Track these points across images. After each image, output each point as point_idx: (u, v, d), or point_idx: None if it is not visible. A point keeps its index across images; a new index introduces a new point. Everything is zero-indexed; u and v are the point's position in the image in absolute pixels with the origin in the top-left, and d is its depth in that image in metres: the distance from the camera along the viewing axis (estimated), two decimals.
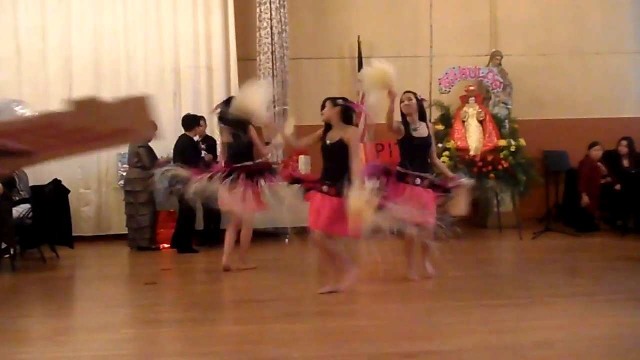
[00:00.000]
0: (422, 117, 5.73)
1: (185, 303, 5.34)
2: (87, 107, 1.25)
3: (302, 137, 5.71)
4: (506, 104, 9.32)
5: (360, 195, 4.70)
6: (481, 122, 8.74)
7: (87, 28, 9.21)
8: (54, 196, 7.76)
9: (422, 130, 5.65)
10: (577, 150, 9.13)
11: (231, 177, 6.13)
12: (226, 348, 3.97)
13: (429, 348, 3.79)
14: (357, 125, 5.56)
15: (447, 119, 8.82)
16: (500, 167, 8.37)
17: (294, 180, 5.44)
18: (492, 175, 8.27)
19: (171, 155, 8.20)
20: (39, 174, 8.52)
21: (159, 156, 8.45)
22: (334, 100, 5.30)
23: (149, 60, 9.33)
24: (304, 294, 5.41)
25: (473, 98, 8.89)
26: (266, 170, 6.36)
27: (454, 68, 8.72)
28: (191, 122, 8.13)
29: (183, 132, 8.09)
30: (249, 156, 6.36)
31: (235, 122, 6.13)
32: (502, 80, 9.02)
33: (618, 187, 8.69)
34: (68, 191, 8.23)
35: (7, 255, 7.17)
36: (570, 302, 4.83)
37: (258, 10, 9.35)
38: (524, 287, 5.42)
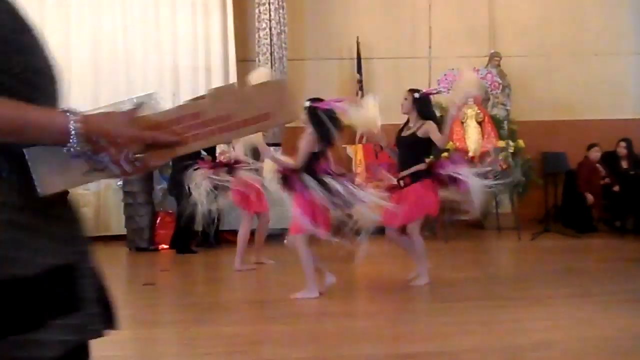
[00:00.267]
0: (424, 116, 5.49)
1: (184, 304, 5.34)
2: (226, 95, 1.32)
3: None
4: (505, 105, 9.32)
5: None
6: (480, 123, 8.75)
7: (85, 28, 9.21)
8: None
9: (414, 129, 5.46)
10: (576, 151, 9.13)
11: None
12: (225, 349, 3.96)
13: (427, 349, 3.79)
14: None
15: (445, 120, 8.81)
16: (499, 167, 8.35)
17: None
18: (490, 176, 8.26)
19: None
20: None
21: None
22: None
23: (148, 60, 9.33)
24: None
25: (472, 99, 8.89)
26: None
27: (453, 69, 8.73)
28: None
29: None
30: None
31: None
32: (500, 81, 9.03)
33: (616, 188, 8.69)
34: (67, 192, 8.21)
35: None
36: (568, 303, 4.83)
37: (257, 10, 9.35)
38: (523, 287, 5.42)
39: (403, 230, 5.46)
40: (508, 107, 9.35)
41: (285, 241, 6.92)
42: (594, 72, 10.10)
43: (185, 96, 9.31)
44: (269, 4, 9.29)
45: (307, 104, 5.11)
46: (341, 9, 9.98)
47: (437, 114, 8.85)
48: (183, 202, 6.91)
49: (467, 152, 8.52)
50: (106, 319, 1.47)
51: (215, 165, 6.65)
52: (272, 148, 8.38)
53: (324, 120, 4.98)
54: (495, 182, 5.57)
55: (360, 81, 9.76)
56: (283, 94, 1.35)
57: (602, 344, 3.83)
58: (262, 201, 6.58)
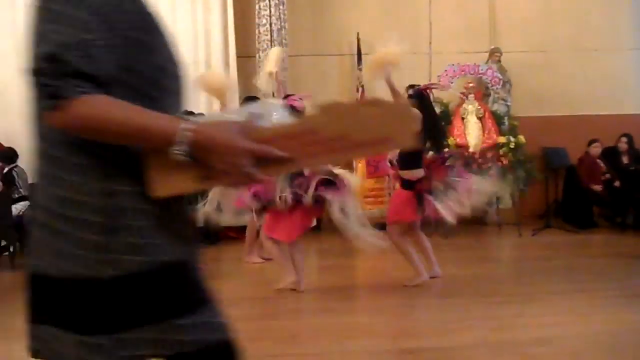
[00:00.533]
0: (419, 111, 5.35)
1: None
2: (342, 113, 1.27)
3: None
4: (505, 100, 9.31)
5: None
6: (480, 119, 8.74)
7: None
8: None
9: None
10: (577, 146, 9.13)
11: None
12: None
13: (428, 344, 3.80)
14: None
15: (446, 116, 8.81)
16: (499, 163, 8.36)
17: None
18: (491, 172, 8.27)
19: None
20: None
21: None
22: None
23: None
24: (303, 290, 5.41)
25: (472, 95, 8.89)
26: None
27: (453, 65, 8.72)
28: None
29: None
30: None
31: None
32: (501, 77, 9.02)
33: (617, 183, 8.69)
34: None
35: (6, 253, 7.17)
36: (569, 298, 4.84)
37: (257, 6, 9.34)
38: (523, 283, 5.43)
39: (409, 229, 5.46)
40: (509, 103, 9.34)
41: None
42: (594, 68, 10.08)
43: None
44: None
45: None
46: (341, 5, 9.96)
47: (438, 109, 8.92)
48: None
49: (467, 147, 8.52)
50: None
51: None
52: None
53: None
54: (493, 190, 5.49)
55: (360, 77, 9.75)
56: (406, 119, 1.29)
57: (603, 339, 3.84)
58: None
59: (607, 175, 8.84)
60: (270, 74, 5.75)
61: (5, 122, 8.93)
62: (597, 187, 8.68)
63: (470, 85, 8.92)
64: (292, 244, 5.17)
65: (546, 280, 5.50)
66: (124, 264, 1.27)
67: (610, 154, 9.11)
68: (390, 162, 5.77)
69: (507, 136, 8.62)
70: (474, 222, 8.77)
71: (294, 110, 4.94)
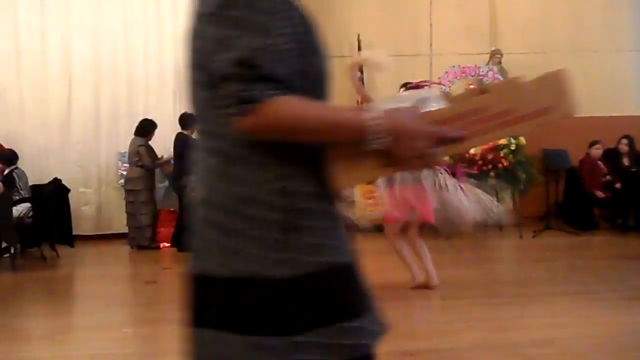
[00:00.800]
0: None
1: (185, 301, 5.34)
2: (508, 89, 1.32)
3: None
4: None
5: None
6: None
7: (86, 27, 9.20)
8: (54, 195, 7.76)
9: None
10: (577, 148, 9.12)
11: None
12: None
13: (428, 346, 3.80)
14: None
15: None
16: (500, 165, 8.35)
17: None
18: (492, 173, 8.27)
19: (172, 154, 8.22)
20: (39, 173, 8.52)
21: (158, 155, 8.46)
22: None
23: (149, 58, 9.32)
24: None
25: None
26: None
27: (454, 67, 8.72)
28: (187, 120, 8.15)
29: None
30: None
31: None
32: (501, 79, 9.02)
33: (618, 185, 8.69)
34: (68, 190, 8.23)
35: (7, 254, 7.17)
36: (570, 300, 4.83)
37: None
38: (524, 285, 5.42)
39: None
40: None
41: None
42: (595, 69, 10.08)
43: (185, 94, 9.30)
44: None
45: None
46: (342, 6, 9.97)
47: None
48: (185, 199, 6.92)
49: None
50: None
51: None
52: None
53: None
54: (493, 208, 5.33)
55: (361, 79, 9.74)
56: (563, 87, 1.30)
57: (603, 341, 3.83)
58: None
59: (608, 177, 8.83)
60: None
61: (5, 124, 8.93)
62: (600, 194, 8.68)
63: (471, 86, 8.90)
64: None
65: (547, 282, 5.49)
66: (301, 264, 1.26)
67: (611, 155, 9.11)
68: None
69: (507, 138, 8.61)
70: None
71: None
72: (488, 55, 9.56)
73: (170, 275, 6.75)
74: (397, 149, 1.25)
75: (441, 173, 4.94)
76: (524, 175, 8.58)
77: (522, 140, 8.65)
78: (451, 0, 9.95)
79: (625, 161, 9.10)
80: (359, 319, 1.30)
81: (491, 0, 10.04)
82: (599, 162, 8.92)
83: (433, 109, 1.33)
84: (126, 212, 8.40)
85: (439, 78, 8.68)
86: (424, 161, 1.28)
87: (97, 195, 9.17)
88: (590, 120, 9.83)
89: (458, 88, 8.86)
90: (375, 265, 6.33)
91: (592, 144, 9.00)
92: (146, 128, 8.35)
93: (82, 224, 8.93)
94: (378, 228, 5.33)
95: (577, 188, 8.85)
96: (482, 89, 1.31)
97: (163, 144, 8.43)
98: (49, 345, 4.19)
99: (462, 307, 4.68)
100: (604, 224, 8.79)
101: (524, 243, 7.84)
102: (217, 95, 1.25)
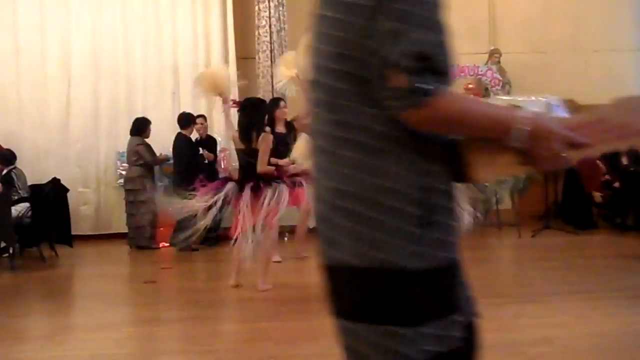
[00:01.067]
0: None
1: (185, 301, 5.35)
2: (629, 104, 1.41)
3: None
4: None
5: None
6: None
7: (85, 26, 9.20)
8: (53, 195, 7.75)
9: None
10: None
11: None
12: (225, 346, 3.98)
13: None
14: None
15: None
16: None
17: None
18: None
19: (170, 155, 8.23)
20: (38, 172, 8.51)
21: (157, 153, 8.45)
22: None
23: (148, 58, 9.32)
24: (302, 292, 5.41)
25: (472, 96, 8.89)
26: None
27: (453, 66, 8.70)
28: (186, 120, 8.15)
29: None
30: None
31: None
32: (500, 78, 9.03)
33: (617, 184, 8.69)
34: (67, 190, 8.22)
35: (6, 254, 7.17)
36: (569, 299, 4.84)
37: (257, 8, 9.34)
38: (523, 284, 5.43)
39: None
40: None
41: (285, 239, 6.87)
42: (594, 69, 10.08)
43: (185, 94, 9.30)
44: (269, 1, 9.27)
45: None
46: None
47: None
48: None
49: None
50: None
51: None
52: None
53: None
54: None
55: None
56: None
57: (602, 340, 3.84)
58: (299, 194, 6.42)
59: (607, 177, 8.84)
60: (293, 77, 5.82)
61: (4, 124, 8.92)
62: (598, 197, 8.68)
63: (470, 86, 8.92)
64: None
65: (546, 281, 5.50)
66: (431, 258, 1.33)
67: (610, 155, 9.10)
68: None
69: None
70: (473, 223, 8.77)
71: None
72: (487, 55, 9.56)
73: (170, 275, 6.76)
74: (536, 148, 1.32)
75: None
76: (523, 175, 8.58)
77: None
78: (451, 0, 9.94)
79: (624, 160, 9.10)
80: (462, 312, 1.37)
81: None
82: (598, 162, 8.92)
83: (563, 116, 1.47)
84: (126, 212, 8.40)
85: None
86: (556, 162, 1.35)
87: (96, 195, 9.17)
88: None
89: (456, 87, 8.87)
90: None
91: None
92: (140, 126, 8.35)
93: (81, 224, 8.93)
94: None
95: (576, 187, 8.85)
96: (612, 102, 1.42)
97: (162, 143, 8.43)
98: (48, 345, 4.19)
99: None
100: (603, 223, 8.80)
101: (523, 242, 7.84)
102: (383, 87, 1.28)
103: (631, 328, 4.05)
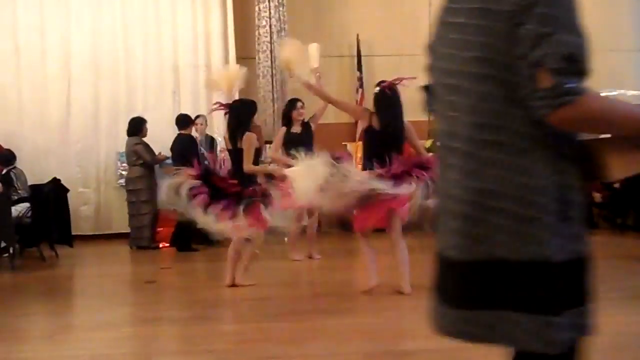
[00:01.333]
0: (384, 108, 5.21)
1: (185, 301, 5.35)
2: None
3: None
4: None
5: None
6: None
7: (86, 26, 9.21)
8: (53, 195, 7.75)
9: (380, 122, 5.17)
10: None
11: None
12: (225, 346, 3.98)
13: (427, 346, 3.79)
14: None
15: None
16: None
17: None
18: None
19: (169, 153, 8.23)
20: (38, 172, 8.52)
21: (156, 153, 8.44)
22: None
23: (148, 58, 9.33)
24: (302, 292, 5.41)
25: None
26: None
27: None
28: (184, 121, 8.14)
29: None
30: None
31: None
32: None
33: (617, 184, 8.69)
34: (67, 190, 8.22)
35: (6, 254, 7.17)
36: None
37: (257, 8, 9.35)
38: None
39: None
40: None
41: (286, 239, 6.87)
42: (594, 68, 10.07)
43: (185, 94, 9.31)
44: (269, 1, 9.28)
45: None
46: (341, 6, 9.97)
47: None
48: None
49: None
50: None
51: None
52: None
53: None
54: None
55: (360, 79, 9.76)
56: None
57: (603, 340, 3.81)
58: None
59: None
60: (313, 69, 5.83)
61: (4, 124, 8.93)
62: (597, 195, 8.69)
63: None
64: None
65: None
66: (570, 250, 1.44)
67: None
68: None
69: None
70: None
71: None
72: None
73: (170, 275, 6.76)
74: None
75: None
76: None
77: None
78: None
79: None
80: (589, 303, 1.50)
81: None
82: None
83: None
84: (128, 213, 8.39)
85: None
86: None
87: (97, 195, 9.17)
88: None
89: None
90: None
91: None
92: (137, 126, 8.35)
93: (81, 224, 8.93)
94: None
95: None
96: None
97: (162, 143, 8.43)
98: (48, 345, 4.19)
99: None
100: (603, 223, 8.80)
101: None
102: (532, 88, 1.35)
103: (631, 328, 4.05)
